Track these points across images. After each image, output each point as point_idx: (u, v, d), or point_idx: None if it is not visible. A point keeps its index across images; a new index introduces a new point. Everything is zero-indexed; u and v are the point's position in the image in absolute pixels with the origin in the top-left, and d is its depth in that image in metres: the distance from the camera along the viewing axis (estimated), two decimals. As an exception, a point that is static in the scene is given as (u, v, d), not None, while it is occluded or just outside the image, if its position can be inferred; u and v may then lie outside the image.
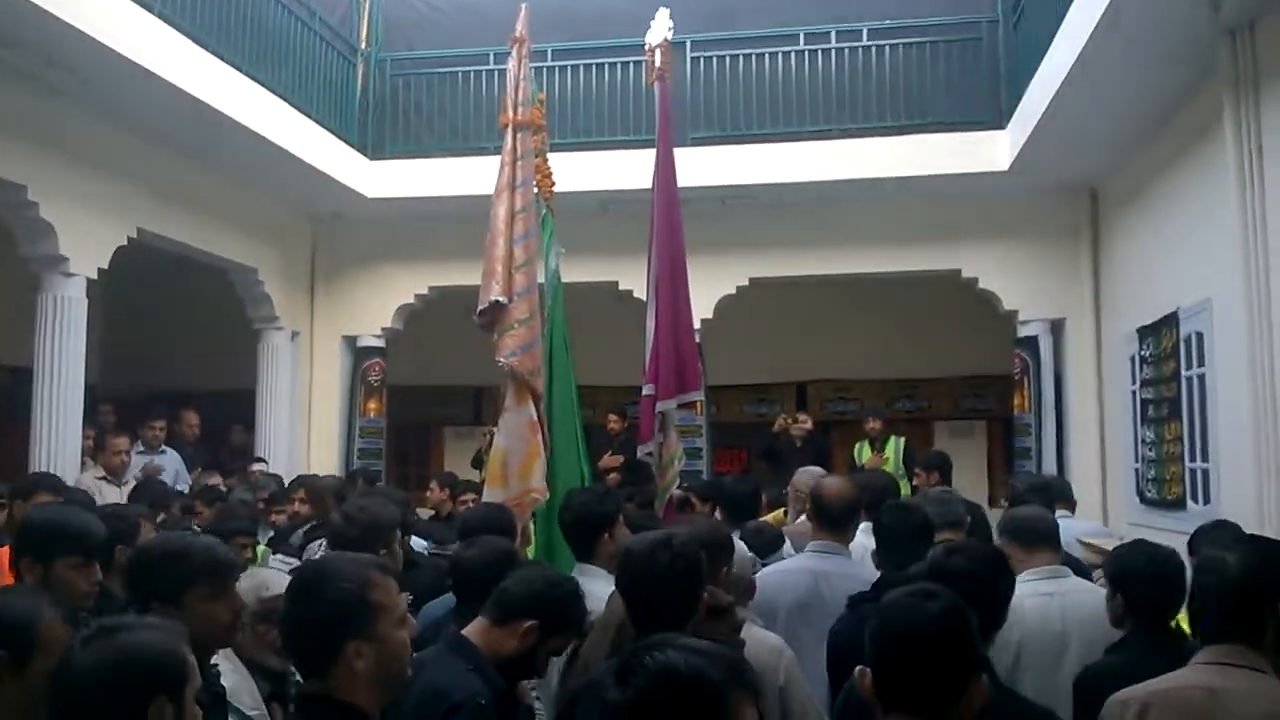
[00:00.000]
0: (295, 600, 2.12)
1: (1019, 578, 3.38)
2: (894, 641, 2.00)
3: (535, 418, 4.62)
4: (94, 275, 7.45)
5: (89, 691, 1.76)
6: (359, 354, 10.40)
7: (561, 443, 5.00)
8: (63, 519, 2.93)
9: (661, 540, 2.63)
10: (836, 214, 9.41)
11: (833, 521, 3.86)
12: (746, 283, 9.78)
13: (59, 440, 7.13)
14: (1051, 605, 3.32)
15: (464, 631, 2.77)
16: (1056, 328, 9.38)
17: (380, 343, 10.41)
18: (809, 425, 10.01)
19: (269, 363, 9.84)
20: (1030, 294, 9.37)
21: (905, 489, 7.58)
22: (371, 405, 10.30)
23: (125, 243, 7.73)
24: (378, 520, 3.45)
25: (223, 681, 2.59)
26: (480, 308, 4.61)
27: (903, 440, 9.78)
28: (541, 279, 5.07)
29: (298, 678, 2.89)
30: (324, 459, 9.94)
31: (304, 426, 10.23)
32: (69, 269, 7.19)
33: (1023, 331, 9.43)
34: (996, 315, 9.68)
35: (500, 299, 4.54)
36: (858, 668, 2.05)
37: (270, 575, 2.90)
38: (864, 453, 9.82)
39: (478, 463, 9.82)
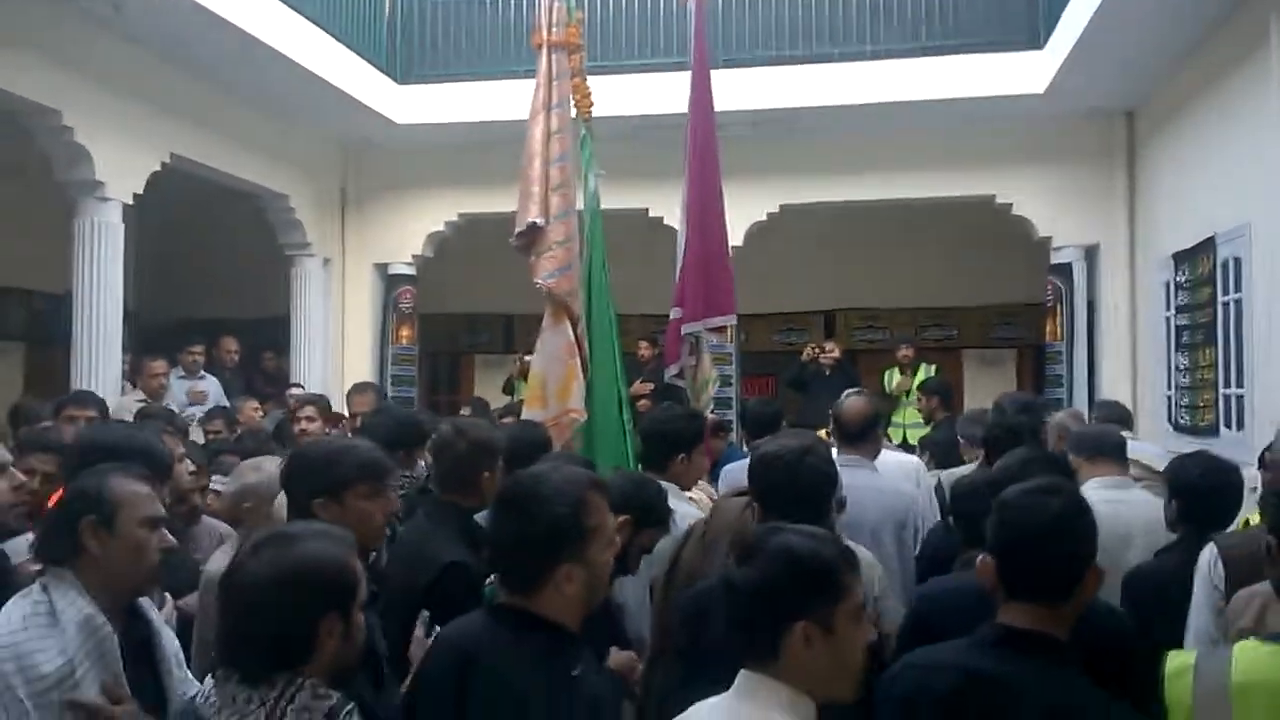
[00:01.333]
0: (508, 517, 2.09)
1: (1085, 486, 3.62)
2: (1019, 535, 2.11)
3: (573, 339, 4.66)
4: (129, 200, 7.50)
5: (261, 602, 1.79)
6: (390, 281, 10.45)
7: (599, 365, 5.02)
8: (126, 438, 2.93)
9: (807, 447, 2.76)
10: (869, 138, 9.30)
11: (852, 437, 4.06)
12: (777, 209, 9.72)
13: (99, 365, 7.23)
14: (1120, 510, 3.49)
15: None
16: (1090, 254, 9.30)
17: (411, 270, 10.44)
18: (836, 354, 10.01)
19: (301, 290, 9.90)
20: (1064, 220, 9.27)
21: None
22: (404, 332, 10.37)
23: (159, 168, 7.76)
24: (486, 441, 3.31)
25: None
26: (517, 230, 4.62)
27: (933, 367, 9.79)
28: (580, 203, 5.06)
29: None
30: (357, 386, 10.04)
31: (337, 353, 10.32)
32: (105, 194, 7.23)
33: (1056, 258, 9.36)
34: (1029, 242, 9.60)
35: (537, 221, 4.55)
36: (980, 556, 2.17)
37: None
38: (893, 379, 9.83)
39: (509, 389, 9.93)
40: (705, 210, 5.75)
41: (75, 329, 7.27)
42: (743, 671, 1.74)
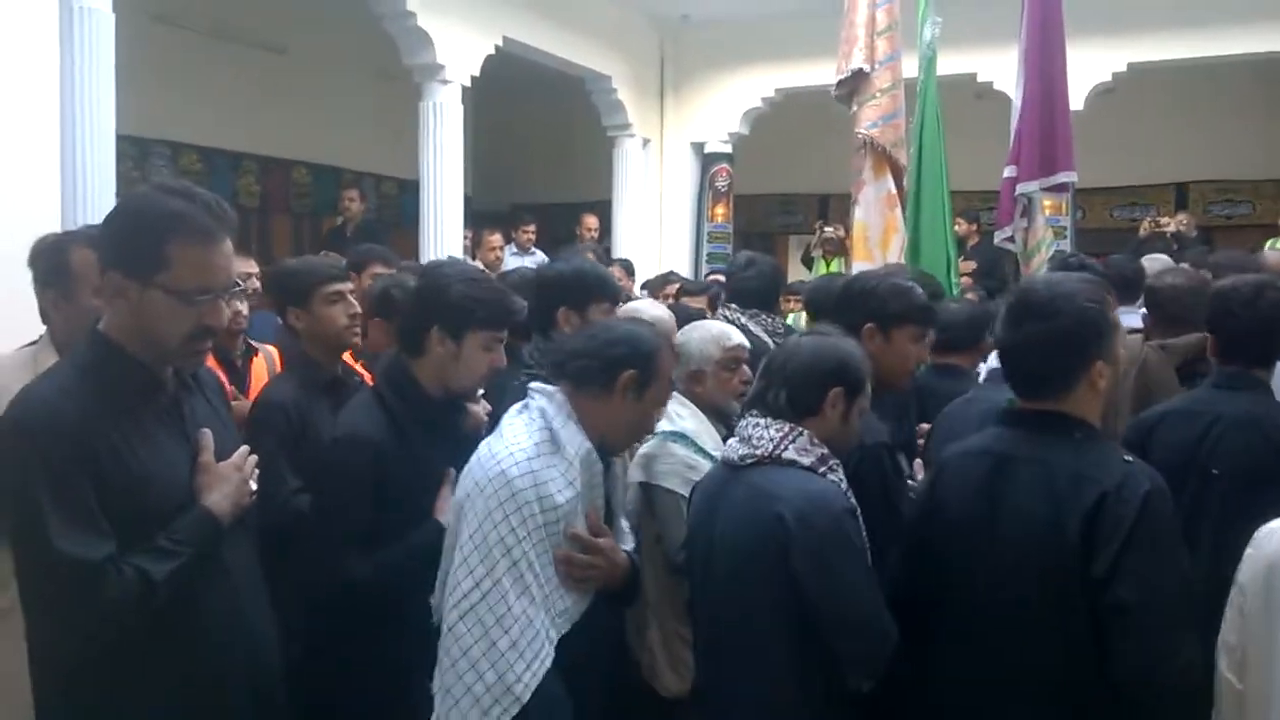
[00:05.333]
0: (1032, 323, 2.01)
1: None
2: None
3: (893, 191, 4.48)
4: (467, 83, 7.93)
5: (796, 365, 2.23)
6: (706, 160, 10.50)
7: (927, 224, 4.80)
8: (592, 270, 3.07)
9: (1266, 282, 2.75)
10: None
11: None
12: (1124, 69, 8.84)
13: (442, 241, 7.79)
14: None
15: None
16: None
17: (727, 148, 10.43)
18: (1172, 227, 8.95)
19: (623, 170, 10.15)
20: None
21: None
22: (719, 210, 10.44)
23: (493, 51, 8.14)
24: (777, 270, 3.46)
25: (684, 425, 2.73)
26: (839, 78, 4.47)
27: (1337, 236, 8.63)
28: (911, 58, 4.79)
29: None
30: (675, 265, 10.21)
31: (656, 233, 10.56)
32: (445, 76, 7.69)
33: None
34: None
35: (863, 67, 4.38)
36: None
37: (727, 327, 3.01)
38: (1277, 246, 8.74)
39: (807, 260, 9.84)
40: (1048, 66, 5.29)
41: (423, 208, 7.86)
42: None
